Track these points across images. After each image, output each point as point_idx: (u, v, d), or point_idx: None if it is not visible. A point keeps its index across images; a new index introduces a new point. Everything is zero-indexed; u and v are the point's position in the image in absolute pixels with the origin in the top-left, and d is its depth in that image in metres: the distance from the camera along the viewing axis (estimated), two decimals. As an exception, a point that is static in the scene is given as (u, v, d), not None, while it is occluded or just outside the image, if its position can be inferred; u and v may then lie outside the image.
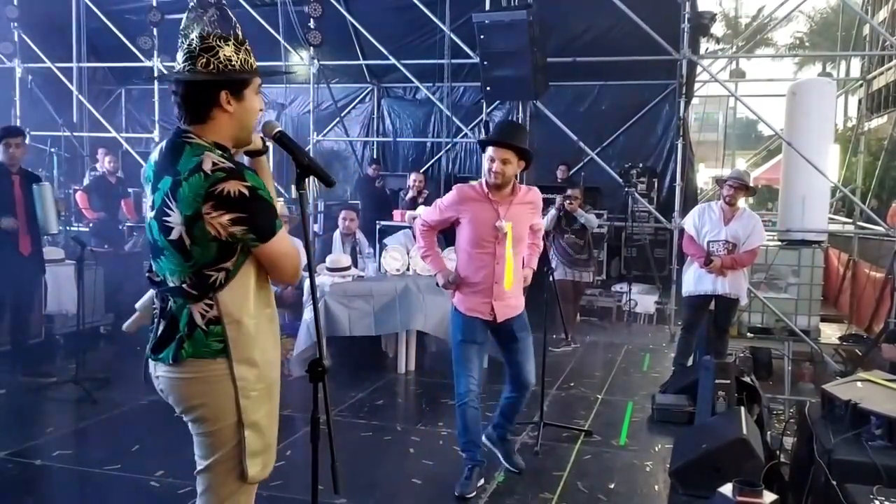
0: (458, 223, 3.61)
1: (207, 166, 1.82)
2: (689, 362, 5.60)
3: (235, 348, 1.93)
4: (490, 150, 3.46)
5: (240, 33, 1.96)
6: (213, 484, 1.99)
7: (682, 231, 5.88)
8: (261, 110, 2.03)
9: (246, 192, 1.82)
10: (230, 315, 1.92)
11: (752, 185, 5.68)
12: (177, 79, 1.94)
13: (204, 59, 1.89)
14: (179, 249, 1.88)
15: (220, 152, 1.90)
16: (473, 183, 3.65)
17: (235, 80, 1.92)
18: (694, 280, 5.46)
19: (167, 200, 1.86)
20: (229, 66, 1.90)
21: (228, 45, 1.91)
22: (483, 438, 3.81)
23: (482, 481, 3.70)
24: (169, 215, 1.86)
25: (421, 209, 6.66)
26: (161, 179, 1.90)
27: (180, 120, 1.96)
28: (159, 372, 1.99)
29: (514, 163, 3.45)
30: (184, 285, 1.92)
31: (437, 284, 3.77)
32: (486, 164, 3.48)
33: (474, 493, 3.60)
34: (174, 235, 1.87)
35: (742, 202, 5.53)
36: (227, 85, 1.91)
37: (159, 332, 1.99)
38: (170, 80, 2.01)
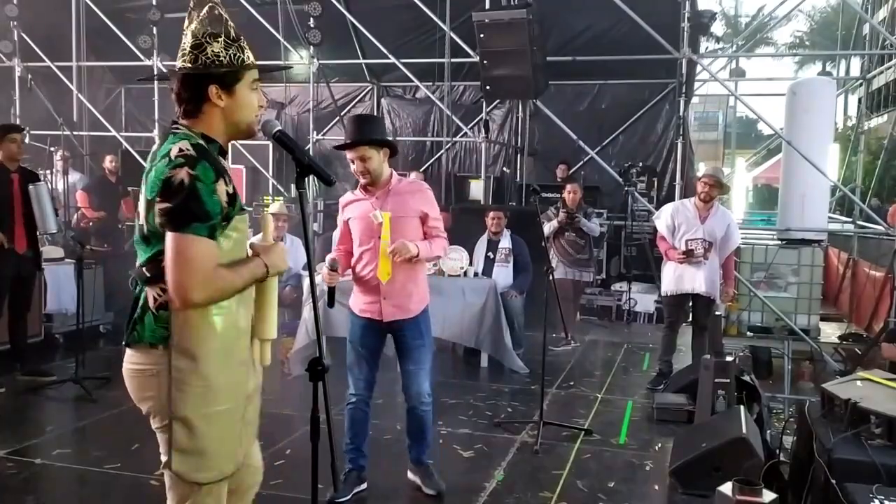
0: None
1: (174, 152, 1.85)
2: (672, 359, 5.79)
3: (175, 336, 1.89)
4: (348, 154, 3.41)
5: (231, 31, 1.95)
6: (172, 482, 1.98)
7: None
8: (261, 107, 2.03)
9: (186, 179, 1.81)
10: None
11: (724, 182, 5.78)
12: (172, 76, 1.98)
13: (193, 56, 1.93)
14: (140, 233, 1.92)
15: (201, 142, 1.92)
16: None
17: (223, 74, 1.94)
18: (674, 279, 5.60)
19: (143, 185, 1.90)
20: (216, 62, 1.93)
21: (218, 41, 1.93)
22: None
23: (361, 487, 3.56)
24: (140, 199, 1.91)
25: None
26: (149, 167, 1.94)
27: (177, 115, 2.01)
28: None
29: (377, 156, 3.37)
30: (143, 268, 1.93)
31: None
32: (352, 168, 3.43)
33: (347, 499, 3.46)
34: (140, 220, 1.91)
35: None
36: (215, 79, 1.94)
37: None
38: (163, 78, 2.02)
